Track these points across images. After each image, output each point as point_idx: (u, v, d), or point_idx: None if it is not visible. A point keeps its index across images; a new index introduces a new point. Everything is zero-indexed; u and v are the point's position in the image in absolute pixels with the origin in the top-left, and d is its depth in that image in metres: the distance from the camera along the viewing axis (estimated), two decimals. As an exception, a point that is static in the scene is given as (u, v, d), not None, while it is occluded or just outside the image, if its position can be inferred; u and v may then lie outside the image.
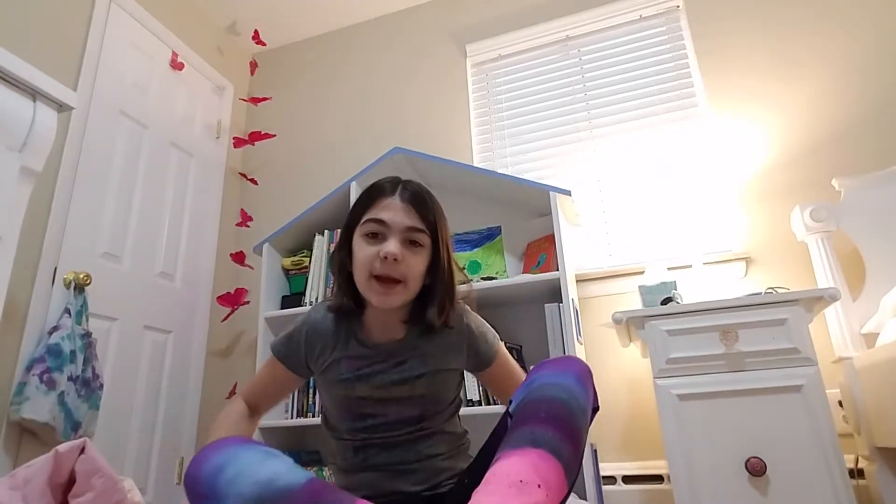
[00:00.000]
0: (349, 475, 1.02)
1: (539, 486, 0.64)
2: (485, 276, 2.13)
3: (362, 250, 0.96)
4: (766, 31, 2.27)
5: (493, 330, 1.11)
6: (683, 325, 1.59)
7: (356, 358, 1.01)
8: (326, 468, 2.00)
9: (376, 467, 0.98)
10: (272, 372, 1.09)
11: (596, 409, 0.86)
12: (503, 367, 1.10)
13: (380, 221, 0.96)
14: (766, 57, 2.24)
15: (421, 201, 0.99)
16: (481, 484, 0.67)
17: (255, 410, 1.11)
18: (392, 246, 0.93)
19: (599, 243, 2.27)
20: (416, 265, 0.96)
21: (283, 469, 0.69)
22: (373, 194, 1.00)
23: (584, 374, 0.84)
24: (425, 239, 0.98)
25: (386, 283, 0.94)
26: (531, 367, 0.88)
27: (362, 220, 0.98)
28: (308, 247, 2.40)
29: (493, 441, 0.86)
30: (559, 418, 0.74)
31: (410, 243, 0.96)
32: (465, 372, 1.11)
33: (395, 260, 0.92)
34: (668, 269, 1.99)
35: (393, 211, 0.96)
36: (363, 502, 0.65)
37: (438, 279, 1.00)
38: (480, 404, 1.89)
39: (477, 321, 1.09)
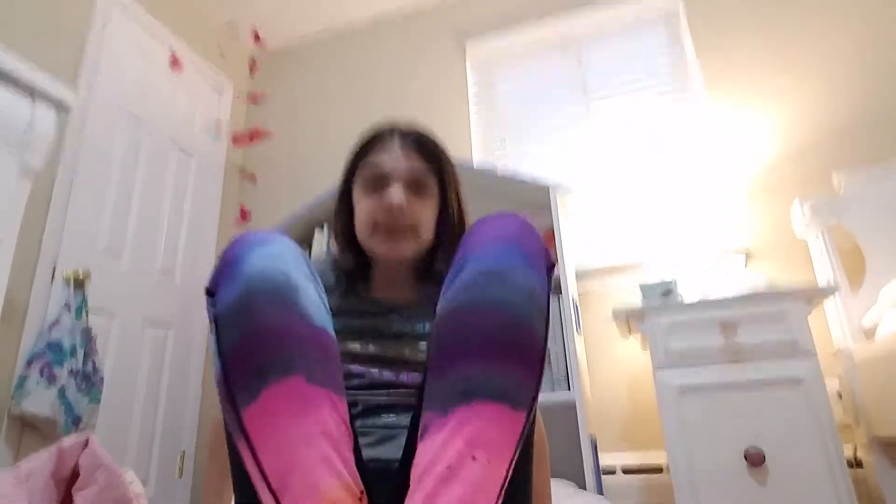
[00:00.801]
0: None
1: (474, 457, 0.52)
2: (485, 271, 2.13)
3: (363, 203, 0.85)
4: (765, 27, 2.27)
5: None
6: (683, 319, 1.59)
7: (352, 312, 0.87)
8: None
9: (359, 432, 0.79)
10: None
11: (551, 267, 0.66)
12: None
13: (379, 168, 0.85)
14: (765, 53, 2.24)
15: (425, 143, 0.87)
16: (410, 488, 0.54)
17: None
18: (395, 194, 0.81)
19: (599, 239, 2.27)
20: (424, 212, 0.85)
21: (316, 296, 0.62)
22: (369, 139, 0.89)
23: (527, 241, 0.64)
24: (432, 183, 0.86)
25: (393, 231, 0.83)
26: (464, 238, 0.69)
27: (359, 169, 0.88)
28: (308, 243, 2.40)
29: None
30: (503, 344, 0.57)
31: (416, 190, 0.85)
32: None
33: (401, 209, 0.82)
34: (668, 264, 1.99)
35: (393, 155, 0.85)
36: (344, 401, 0.59)
37: (449, 229, 0.88)
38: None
39: None
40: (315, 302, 0.62)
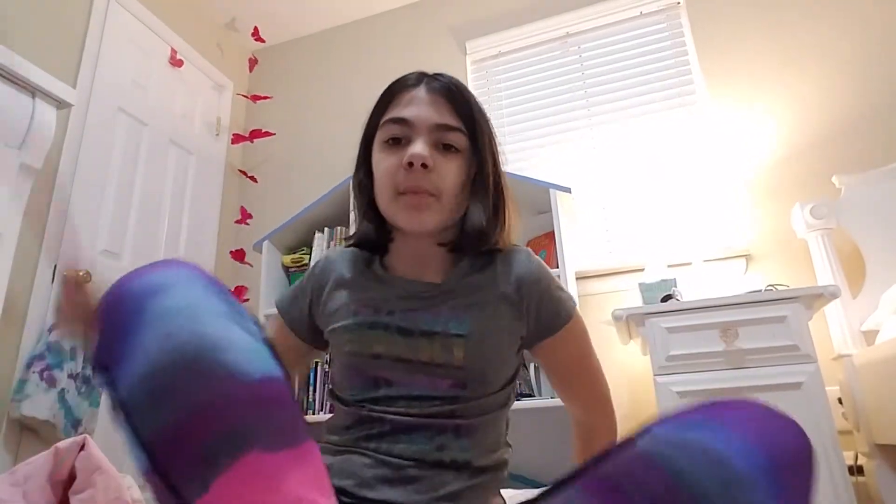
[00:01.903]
0: (334, 454, 0.73)
1: None
2: (485, 273, 2.12)
3: (383, 162, 0.76)
4: (766, 28, 2.26)
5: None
6: (683, 322, 1.59)
7: (374, 300, 0.77)
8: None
9: (371, 454, 0.70)
10: (273, 335, 0.84)
11: None
12: (578, 342, 0.80)
13: (401, 121, 0.75)
14: (766, 54, 2.23)
15: (453, 92, 0.77)
16: None
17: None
18: (419, 147, 0.72)
19: (599, 240, 2.27)
20: (451, 173, 0.74)
21: (241, 341, 0.50)
22: (392, 89, 0.79)
23: (787, 464, 0.46)
24: (461, 140, 0.76)
25: (416, 196, 0.73)
26: (709, 400, 0.52)
27: (381, 124, 0.77)
28: (308, 244, 2.40)
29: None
30: None
31: (443, 147, 0.74)
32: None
33: (424, 166, 0.71)
34: (669, 266, 1.99)
35: (417, 106, 0.75)
36: (313, 446, 0.52)
37: (483, 190, 0.77)
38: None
39: (545, 267, 0.81)
40: (246, 347, 0.51)
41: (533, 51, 2.64)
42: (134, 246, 2.25)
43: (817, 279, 1.82)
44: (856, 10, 2.15)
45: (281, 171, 2.92)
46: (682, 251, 2.03)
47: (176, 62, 2.61)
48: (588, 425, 0.87)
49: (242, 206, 2.83)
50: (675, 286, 1.81)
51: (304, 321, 0.84)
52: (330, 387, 0.83)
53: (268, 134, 2.86)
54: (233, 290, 2.59)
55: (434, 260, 0.80)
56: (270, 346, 0.54)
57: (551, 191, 1.98)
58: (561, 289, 0.80)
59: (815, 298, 1.54)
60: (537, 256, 0.82)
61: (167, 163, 2.50)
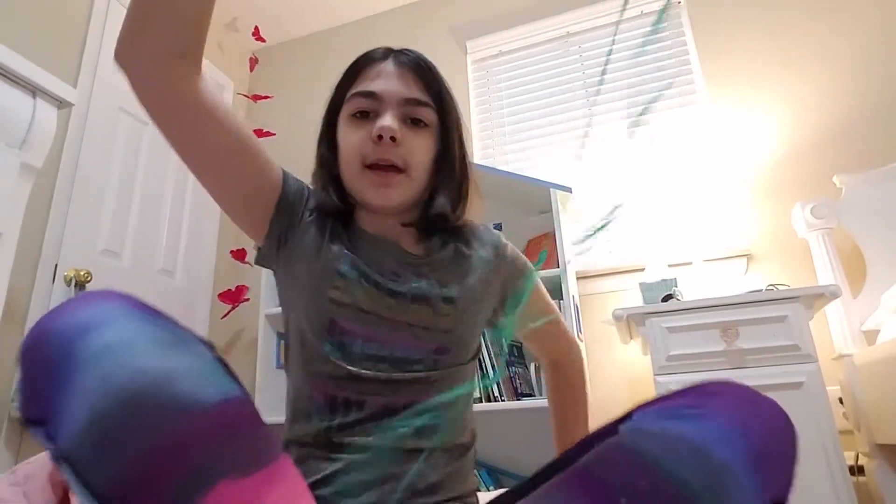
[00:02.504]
0: (303, 459, 0.68)
1: None
2: (485, 273, 2.12)
3: (349, 136, 0.74)
4: (767, 28, 2.26)
5: None
6: (684, 321, 1.59)
7: (364, 256, 0.74)
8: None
9: (345, 455, 0.66)
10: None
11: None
12: (542, 298, 0.90)
13: (370, 94, 0.73)
14: (767, 54, 2.23)
15: (423, 67, 0.76)
16: None
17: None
18: (388, 120, 0.71)
19: (600, 240, 2.27)
20: (419, 149, 0.74)
21: (190, 368, 0.45)
22: (359, 63, 0.78)
23: (768, 447, 0.47)
24: (430, 115, 0.75)
25: (384, 172, 0.71)
26: (691, 385, 0.54)
27: (347, 98, 0.76)
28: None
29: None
30: None
31: (412, 122, 0.74)
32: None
33: (393, 140, 0.70)
34: (669, 266, 1.99)
35: (386, 79, 0.74)
36: (287, 461, 0.49)
37: (449, 169, 0.78)
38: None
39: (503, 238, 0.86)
40: (197, 372, 0.45)
41: (533, 50, 2.64)
42: (134, 246, 2.25)
43: (818, 279, 1.82)
44: (856, 9, 2.15)
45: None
46: (683, 251, 2.03)
47: (176, 62, 2.60)
48: (560, 364, 0.97)
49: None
50: (676, 286, 1.81)
51: (294, 200, 0.77)
52: (285, 342, 0.77)
53: (268, 134, 2.85)
54: (234, 289, 2.59)
55: (400, 236, 0.78)
56: (224, 363, 0.50)
57: (552, 190, 1.98)
58: (521, 255, 0.88)
59: (816, 298, 1.54)
60: (496, 230, 0.88)
61: (168, 162, 2.49)
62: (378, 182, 0.71)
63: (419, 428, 0.68)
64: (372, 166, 0.71)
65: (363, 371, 0.68)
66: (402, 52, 0.78)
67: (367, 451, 0.66)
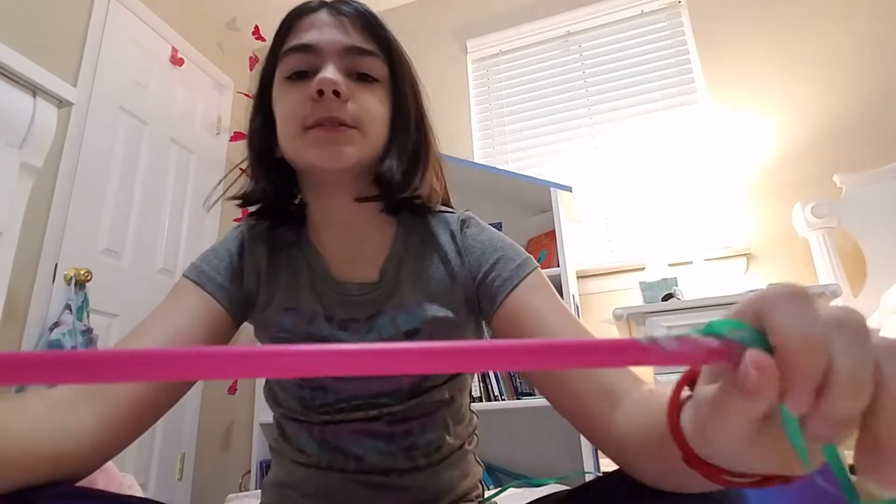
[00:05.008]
0: (309, 484, 0.64)
1: None
2: (485, 272, 2.12)
3: (284, 98, 0.61)
4: (767, 27, 2.26)
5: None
6: (684, 321, 1.59)
7: (308, 304, 0.64)
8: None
9: (349, 474, 0.63)
10: (166, 313, 0.60)
11: None
12: (550, 310, 0.59)
13: (304, 48, 0.60)
14: (767, 53, 2.23)
15: (364, 14, 0.64)
16: None
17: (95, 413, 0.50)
18: (329, 72, 0.58)
19: (600, 239, 2.27)
20: (371, 104, 0.61)
21: None
22: (290, 17, 0.65)
23: None
24: (378, 66, 0.63)
25: (331, 129, 0.58)
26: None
27: (279, 56, 0.63)
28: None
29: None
30: None
31: (358, 77, 0.61)
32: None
33: (337, 94, 0.57)
34: (669, 265, 1.99)
35: (321, 29, 0.61)
36: None
37: (403, 129, 0.65)
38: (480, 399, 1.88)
39: (489, 230, 0.69)
40: None
41: (534, 49, 2.64)
42: (134, 245, 2.25)
43: (818, 278, 1.82)
44: (856, 9, 2.15)
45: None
46: (683, 250, 2.03)
47: (177, 61, 2.60)
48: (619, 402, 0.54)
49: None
50: (676, 285, 1.81)
51: (234, 282, 0.65)
52: (273, 399, 0.70)
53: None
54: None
55: (366, 231, 0.66)
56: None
57: (552, 190, 1.98)
58: (508, 243, 0.66)
59: (816, 297, 1.54)
60: (481, 220, 0.70)
61: (168, 162, 2.49)
62: (324, 138, 0.58)
63: (414, 454, 0.63)
64: (315, 126, 0.58)
65: (338, 416, 0.63)
66: (340, 1, 0.64)
67: (363, 473, 0.63)
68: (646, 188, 2.25)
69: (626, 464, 0.46)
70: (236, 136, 2.87)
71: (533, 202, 2.20)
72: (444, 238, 0.67)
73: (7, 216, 1.31)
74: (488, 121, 2.61)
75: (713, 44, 2.32)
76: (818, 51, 2.16)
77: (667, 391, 0.34)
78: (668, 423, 0.31)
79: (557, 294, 0.62)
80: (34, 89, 1.39)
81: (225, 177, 0.75)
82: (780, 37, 2.23)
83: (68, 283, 1.88)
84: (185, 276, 0.64)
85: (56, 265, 1.89)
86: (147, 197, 2.35)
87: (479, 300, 0.64)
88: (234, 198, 0.67)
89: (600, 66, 2.49)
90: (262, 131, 0.66)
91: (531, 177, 2.10)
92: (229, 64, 3.00)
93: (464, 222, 0.68)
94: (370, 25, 0.63)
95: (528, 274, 0.61)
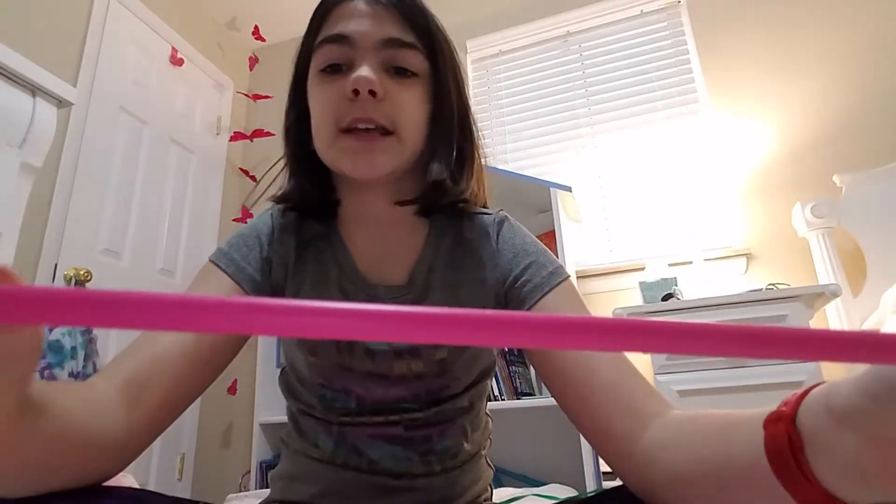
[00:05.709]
0: (320, 479, 0.63)
1: None
2: (485, 272, 2.13)
3: (319, 95, 0.59)
4: (767, 28, 2.26)
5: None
6: (684, 320, 1.59)
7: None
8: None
9: (363, 474, 0.62)
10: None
11: None
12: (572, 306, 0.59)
13: (339, 38, 0.57)
14: (767, 53, 2.23)
15: (404, 1, 0.59)
16: None
17: (132, 404, 0.49)
18: (364, 70, 0.55)
19: (600, 239, 2.27)
20: (409, 103, 0.58)
21: None
22: (325, 4, 0.61)
23: None
24: (418, 60, 0.59)
25: (365, 135, 0.56)
26: None
27: (314, 48, 0.60)
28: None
29: None
30: None
31: (396, 72, 0.58)
32: None
33: (373, 94, 0.55)
34: (669, 265, 1.99)
35: (358, 19, 0.58)
36: None
37: (445, 127, 0.61)
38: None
39: (528, 236, 0.67)
40: None
41: (533, 49, 2.64)
42: (134, 245, 2.25)
43: (818, 278, 1.82)
44: (857, 9, 2.15)
45: (280, 169, 2.91)
46: (683, 250, 2.03)
47: (176, 61, 2.61)
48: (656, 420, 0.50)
49: (243, 205, 2.83)
50: (676, 285, 1.81)
51: (258, 268, 0.62)
52: (283, 370, 0.69)
53: (268, 134, 2.85)
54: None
55: (398, 230, 0.64)
56: None
57: (552, 190, 1.98)
58: (541, 248, 0.65)
59: (816, 297, 1.54)
60: (516, 222, 0.68)
61: (168, 162, 2.50)
62: (357, 148, 0.55)
63: (430, 459, 0.62)
64: (349, 130, 0.56)
65: (358, 419, 0.62)
66: None
67: (377, 474, 0.62)
68: (645, 188, 2.25)
69: (650, 492, 0.43)
70: (236, 136, 2.88)
71: (533, 202, 2.20)
72: (480, 242, 0.65)
73: (7, 216, 1.31)
74: (488, 121, 2.61)
75: (713, 44, 2.32)
76: (818, 50, 2.16)
77: (727, 416, 0.31)
78: (777, 462, 0.27)
79: (587, 307, 0.60)
80: (34, 89, 1.39)
81: (265, 174, 0.73)
82: (779, 36, 2.23)
83: (68, 283, 1.88)
84: (213, 261, 0.61)
85: (56, 265, 1.89)
86: (147, 197, 2.35)
87: (507, 302, 0.62)
88: (275, 198, 0.66)
89: (600, 66, 2.49)
90: (297, 126, 0.64)
91: (531, 177, 2.10)
92: (229, 64, 3.00)
93: (500, 224, 0.66)
94: (410, 15, 0.59)
95: (560, 283, 0.59)
